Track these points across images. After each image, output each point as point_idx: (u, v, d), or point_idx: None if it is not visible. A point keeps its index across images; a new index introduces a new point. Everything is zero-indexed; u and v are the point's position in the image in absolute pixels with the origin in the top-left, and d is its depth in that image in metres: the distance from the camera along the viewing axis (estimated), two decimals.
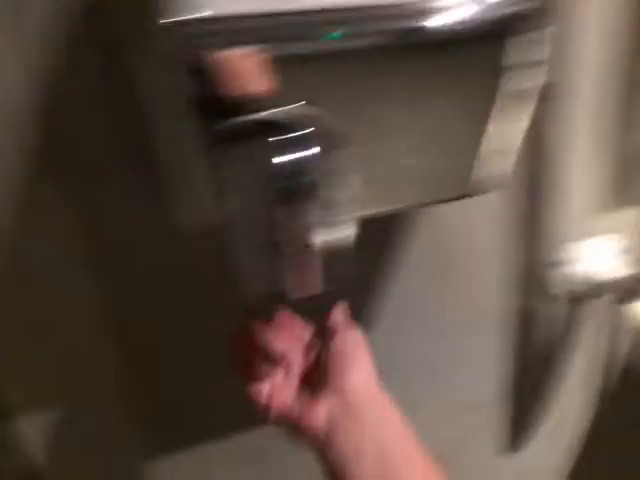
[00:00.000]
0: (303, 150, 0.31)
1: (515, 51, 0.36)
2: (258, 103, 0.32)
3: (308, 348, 0.42)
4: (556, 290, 0.65)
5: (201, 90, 0.31)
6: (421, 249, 0.57)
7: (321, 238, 0.33)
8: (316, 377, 0.39)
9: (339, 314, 0.42)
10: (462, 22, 0.34)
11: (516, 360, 0.69)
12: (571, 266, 0.64)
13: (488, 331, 0.66)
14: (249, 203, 0.34)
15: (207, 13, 0.30)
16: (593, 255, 0.64)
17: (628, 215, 0.64)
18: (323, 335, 0.41)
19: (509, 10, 0.35)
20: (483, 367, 0.69)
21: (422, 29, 0.33)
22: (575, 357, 0.72)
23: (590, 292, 0.65)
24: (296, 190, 0.32)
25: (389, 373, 0.40)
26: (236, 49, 0.30)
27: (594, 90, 0.55)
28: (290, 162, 0.31)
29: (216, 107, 0.32)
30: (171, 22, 0.30)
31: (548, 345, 0.70)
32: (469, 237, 0.59)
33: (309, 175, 0.32)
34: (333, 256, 0.34)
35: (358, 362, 0.38)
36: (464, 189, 0.43)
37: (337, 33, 0.32)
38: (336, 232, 0.34)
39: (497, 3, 0.34)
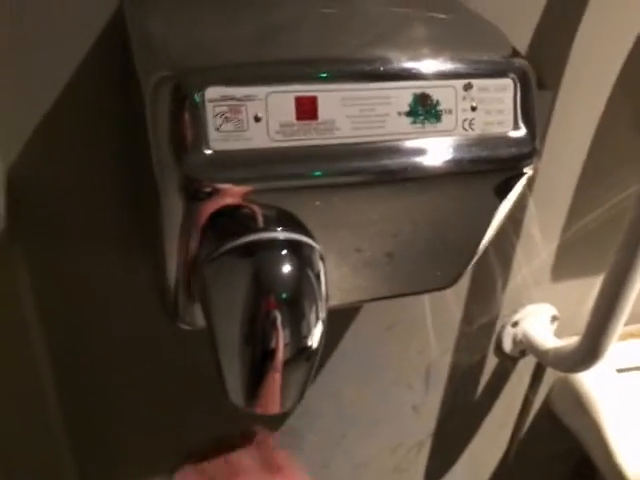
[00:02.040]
0: (288, 263, 0.33)
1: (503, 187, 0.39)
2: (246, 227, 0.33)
3: None
4: (505, 348, 0.71)
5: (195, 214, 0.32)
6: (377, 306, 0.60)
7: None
8: None
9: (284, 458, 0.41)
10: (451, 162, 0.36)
11: (445, 408, 0.74)
12: (515, 328, 0.70)
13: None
14: (239, 315, 0.34)
15: (208, 152, 0.30)
16: (531, 320, 0.70)
17: (561, 288, 0.70)
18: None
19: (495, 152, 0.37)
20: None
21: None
22: (497, 403, 0.78)
23: (523, 351, 0.72)
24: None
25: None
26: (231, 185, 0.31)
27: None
28: (279, 275, 0.33)
29: (209, 228, 0.33)
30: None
31: (475, 392, 0.75)
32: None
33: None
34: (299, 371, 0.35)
35: None
36: (444, 282, 0.47)
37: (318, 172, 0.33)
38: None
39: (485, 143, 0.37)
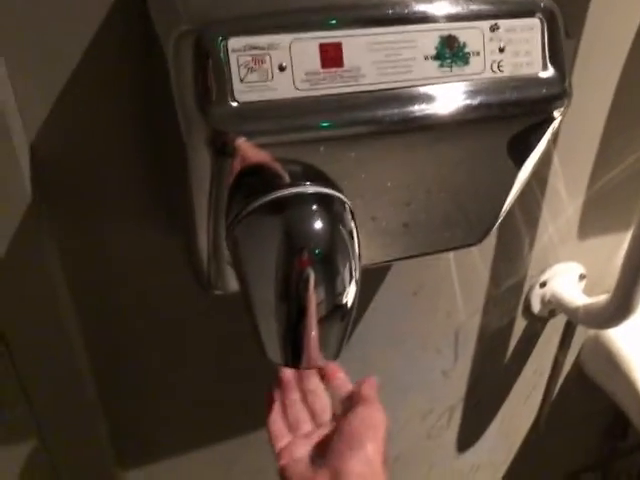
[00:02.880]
0: (318, 218, 0.32)
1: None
2: (275, 183, 0.32)
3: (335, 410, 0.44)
4: (533, 309, 0.70)
5: (223, 171, 0.31)
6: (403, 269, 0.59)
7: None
8: (327, 447, 0.39)
9: (369, 388, 0.42)
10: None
11: (475, 372, 0.73)
12: (544, 288, 0.69)
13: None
14: (273, 274, 0.34)
15: (234, 104, 0.29)
16: (559, 279, 0.69)
17: (588, 245, 0.69)
18: (349, 401, 0.42)
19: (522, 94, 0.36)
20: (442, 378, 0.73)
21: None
22: (527, 366, 0.78)
23: (552, 312, 0.71)
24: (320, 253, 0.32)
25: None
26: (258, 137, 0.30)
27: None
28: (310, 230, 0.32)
29: (237, 187, 0.32)
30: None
31: (504, 356, 0.74)
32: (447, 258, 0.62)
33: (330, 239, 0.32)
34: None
35: (365, 445, 0.38)
36: (472, 239, 0.46)
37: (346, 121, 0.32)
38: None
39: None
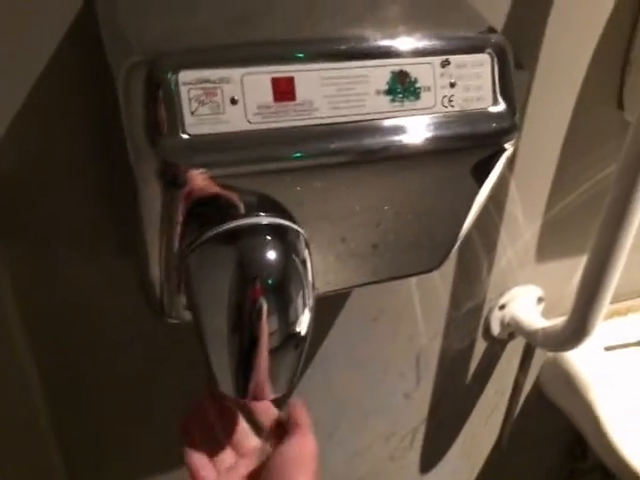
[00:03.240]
0: (272, 248, 0.32)
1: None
2: (229, 213, 0.32)
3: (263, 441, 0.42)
4: (493, 331, 0.71)
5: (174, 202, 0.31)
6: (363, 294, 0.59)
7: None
8: (261, 476, 0.38)
9: (300, 414, 0.41)
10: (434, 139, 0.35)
11: (436, 394, 0.74)
12: (503, 311, 0.70)
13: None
14: (225, 304, 0.34)
15: (184, 136, 0.29)
16: (517, 302, 0.70)
17: (545, 269, 0.70)
18: (279, 430, 0.41)
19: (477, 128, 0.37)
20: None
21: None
22: (488, 387, 0.78)
23: (512, 334, 0.73)
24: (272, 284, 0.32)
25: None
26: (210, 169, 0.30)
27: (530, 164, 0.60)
28: (263, 261, 0.32)
29: (190, 216, 0.32)
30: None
31: (465, 377, 0.75)
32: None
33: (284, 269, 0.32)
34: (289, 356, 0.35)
35: (303, 474, 0.36)
36: (430, 265, 0.46)
37: (298, 154, 0.32)
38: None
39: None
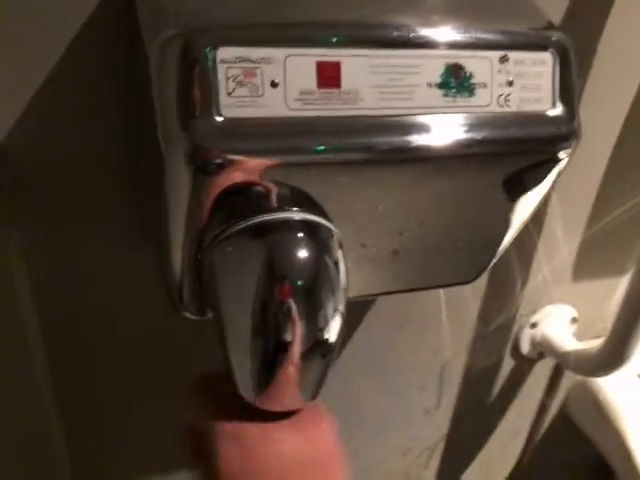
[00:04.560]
0: (304, 247, 0.30)
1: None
2: (259, 206, 0.30)
3: None
4: (522, 350, 0.68)
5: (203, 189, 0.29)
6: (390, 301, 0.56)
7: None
8: None
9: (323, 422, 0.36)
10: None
11: (458, 412, 0.71)
12: (534, 329, 0.67)
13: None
14: (249, 303, 0.31)
15: (218, 119, 0.27)
16: (550, 321, 0.67)
17: (581, 288, 0.67)
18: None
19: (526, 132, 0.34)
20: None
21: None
22: (511, 409, 0.75)
23: (541, 354, 0.69)
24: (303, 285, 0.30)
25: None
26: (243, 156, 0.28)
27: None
28: (294, 259, 0.30)
29: (218, 207, 0.30)
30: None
31: (489, 396, 0.72)
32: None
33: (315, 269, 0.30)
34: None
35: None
36: (465, 277, 0.44)
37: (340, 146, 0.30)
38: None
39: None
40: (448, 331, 0.62)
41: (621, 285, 0.65)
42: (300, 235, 0.30)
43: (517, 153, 0.34)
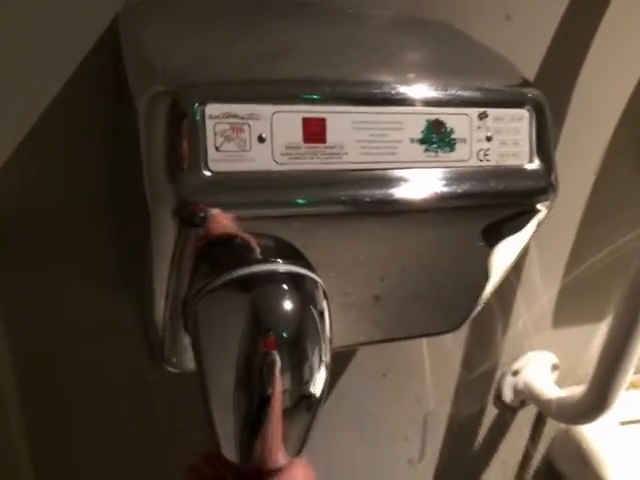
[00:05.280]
0: (289, 298, 0.30)
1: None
2: (244, 258, 0.30)
3: None
4: (505, 398, 0.67)
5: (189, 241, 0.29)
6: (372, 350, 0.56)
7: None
8: None
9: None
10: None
11: (441, 462, 0.69)
12: (516, 377, 0.67)
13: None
14: (233, 356, 0.31)
15: (207, 173, 0.27)
16: (531, 368, 0.67)
17: (561, 334, 0.68)
18: None
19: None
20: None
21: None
22: (495, 457, 0.74)
23: (524, 402, 0.69)
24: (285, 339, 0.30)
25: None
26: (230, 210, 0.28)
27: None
28: (279, 311, 0.29)
29: (203, 258, 0.30)
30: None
31: (472, 445, 0.71)
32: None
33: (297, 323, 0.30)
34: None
35: None
36: (448, 326, 0.44)
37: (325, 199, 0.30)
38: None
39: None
40: (431, 379, 0.62)
41: (600, 331, 0.65)
42: (285, 287, 0.30)
43: (496, 206, 0.35)
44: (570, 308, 0.66)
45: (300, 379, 0.30)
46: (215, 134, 0.28)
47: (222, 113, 0.28)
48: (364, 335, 0.42)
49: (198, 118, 0.27)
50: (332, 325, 0.32)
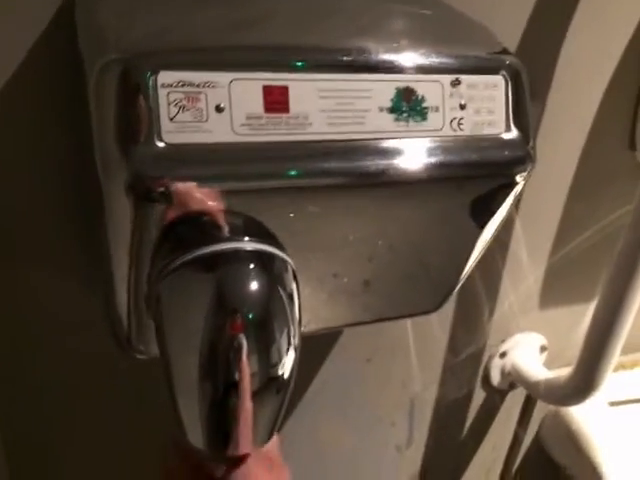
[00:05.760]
0: (256, 278, 0.28)
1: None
2: (208, 236, 0.28)
3: None
4: (492, 380, 0.66)
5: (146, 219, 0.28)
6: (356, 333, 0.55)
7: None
8: None
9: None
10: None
11: (430, 447, 0.69)
12: (504, 359, 0.66)
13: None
14: (198, 339, 0.29)
15: (160, 144, 0.26)
16: (519, 350, 0.66)
17: (549, 316, 0.67)
18: None
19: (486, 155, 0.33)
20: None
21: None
22: (485, 441, 0.73)
23: (512, 384, 0.68)
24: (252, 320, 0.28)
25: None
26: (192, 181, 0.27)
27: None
28: (245, 292, 0.28)
29: (164, 237, 0.28)
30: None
31: (462, 430, 0.70)
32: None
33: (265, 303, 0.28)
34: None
35: None
36: (429, 306, 0.42)
37: (288, 172, 0.29)
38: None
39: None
40: (416, 363, 0.61)
41: (588, 312, 0.64)
42: (252, 266, 0.28)
43: (473, 177, 0.33)
44: (557, 288, 0.65)
45: (268, 361, 0.29)
46: (169, 104, 0.26)
47: (176, 81, 0.26)
48: (353, 316, 0.41)
49: (150, 87, 0.26)
50: (301, 306, 0.30)
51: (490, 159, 0.33)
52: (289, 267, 0.30)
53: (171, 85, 0.26)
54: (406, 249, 0.36)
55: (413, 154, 0.31)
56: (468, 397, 0.67)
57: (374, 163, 0.30)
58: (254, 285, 0.28)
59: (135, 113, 0.25)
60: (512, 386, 0.69)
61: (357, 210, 0.32)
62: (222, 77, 0.27)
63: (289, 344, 0.29)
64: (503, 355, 0.66)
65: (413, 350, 0.60)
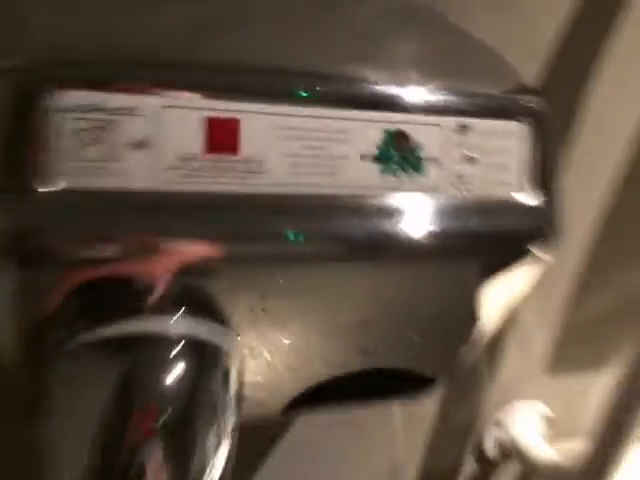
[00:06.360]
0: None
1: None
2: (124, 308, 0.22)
3: None
4: (486, 451, 0.59)
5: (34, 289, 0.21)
6: None
7: None
8: None
9: None
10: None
11: None
12: (500, 429, 0.58)
13: None
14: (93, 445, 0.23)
15: (54, 189, 0.19)
16: (518, 420, 0.59)
17: (553, 384, 0.60)
18: None
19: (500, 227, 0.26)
20: None
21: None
22: None
23: (507, 456, 0.61)
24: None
25: None
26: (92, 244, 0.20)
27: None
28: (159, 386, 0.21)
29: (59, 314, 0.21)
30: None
31: None
32: None
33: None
34: None
35: None
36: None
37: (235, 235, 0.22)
38: None
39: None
40: (400, 428, 0.54)
41: (600, 383, 0.58)
42: (171, 354, 0.21)
43: (479, 251, 0.26)
44: (564, 356, 0.58)
45: (185, 474, 0.22)
46: (72, 135, 0.19)
47: (81, 104, 0.19)
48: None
49: (43, 110, 0.19)
50: (239, 401, 0.23)
51: (501, 229, 0.26)
52: (222, 351, 0.23)
53: (74, 109, 0.19)
54: (399, 324, 0.29)
55: (403, 218, 0.24)
56: (456, 468, 0.60)
57: (352, 229, 0.23)
58: (171, 377, 0.21)
59: (19, 147, 0.19)
60: (507, 458, 0.61)
61: (324, 287, 0.25)
62: (149, 102, 0.20)
63: (216, 448, 0.23)
64: (500, 424, 0.59)
65: (398, 414, 0.53)
